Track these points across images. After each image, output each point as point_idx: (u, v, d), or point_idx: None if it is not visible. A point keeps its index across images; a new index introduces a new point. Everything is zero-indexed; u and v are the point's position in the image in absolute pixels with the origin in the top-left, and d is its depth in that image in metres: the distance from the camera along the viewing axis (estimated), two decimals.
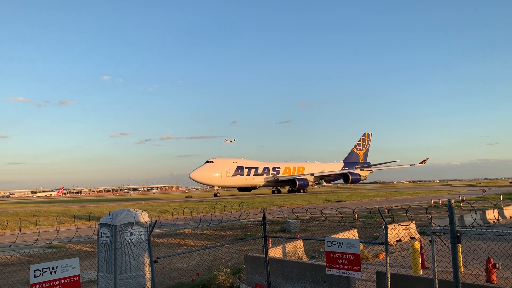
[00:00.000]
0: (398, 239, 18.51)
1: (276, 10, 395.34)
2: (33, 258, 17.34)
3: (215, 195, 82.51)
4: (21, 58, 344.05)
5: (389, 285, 8.20)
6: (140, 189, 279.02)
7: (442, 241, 9.02)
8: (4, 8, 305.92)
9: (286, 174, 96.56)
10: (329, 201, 55.05)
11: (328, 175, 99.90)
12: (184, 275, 13.33)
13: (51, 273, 6.53)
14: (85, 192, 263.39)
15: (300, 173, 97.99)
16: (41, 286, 6.40)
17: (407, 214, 10.08)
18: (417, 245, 12.45)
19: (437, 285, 8.14)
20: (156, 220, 9.00)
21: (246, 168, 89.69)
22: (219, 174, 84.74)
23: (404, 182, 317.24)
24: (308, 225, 25.69)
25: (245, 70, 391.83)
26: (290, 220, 24.31)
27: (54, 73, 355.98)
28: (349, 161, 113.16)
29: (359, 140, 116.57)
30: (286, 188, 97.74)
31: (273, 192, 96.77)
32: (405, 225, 18.35)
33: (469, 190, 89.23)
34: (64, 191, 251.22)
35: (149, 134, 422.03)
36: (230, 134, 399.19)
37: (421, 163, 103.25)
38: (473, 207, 11.18)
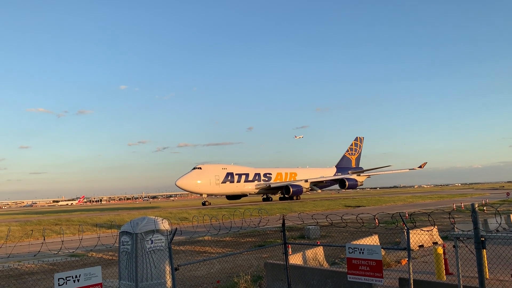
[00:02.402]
0: (420, 244, 18.21)
1: (291, 16, 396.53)
2: (56, 266, 17.61)
3: (204, 204, 77.27)
4: (40, 70, 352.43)
5: None
6: (159, 196, 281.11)
7: (466, 246, 8.85)
8: (23, 20, 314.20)
9: (278, 181, 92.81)
10: (349, 206, 54.59)
11: (322, 181, 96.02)
12: (204, 283, 13.36)
13: (74, 281, 6.63)
14: (106, 200, 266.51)
15: (292, 179, 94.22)
16: None
17: (429, 219, 9.92)
18: (440, 250, 12.23)
19: None
20: (176, 228, 9.06)
21: (236, 174, 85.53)
22: (208, 181, 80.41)
23: (425, 186, 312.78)
24: (328, 231, 25.49)
25: (259, 76, 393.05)
26: (310, 227, 24.16)
27: (73, 83, 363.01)
28: (341, 166, 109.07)
29: (351, 145, 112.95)
30: (278, 195, 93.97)
31: (264, 199, 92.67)
32: (427, 230, 18.04)
33: (492, 193, 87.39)
34: (85, 200, 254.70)
35: (166, 142, 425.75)
36: (246, 140, 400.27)
37: (420, 167, 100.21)
38: (498, 211, 10.92)
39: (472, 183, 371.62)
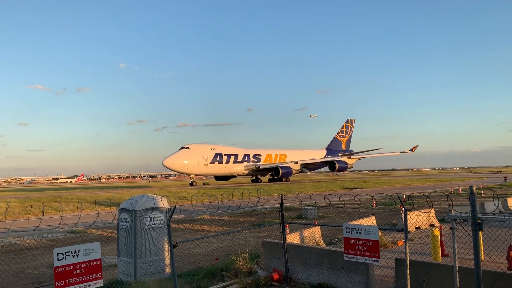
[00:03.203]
0: (417, 226, 18.34)
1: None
2: (55, 242, 17.75)
3: (191, 184, 75.62)
4: (39, 47, 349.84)
5: (408, 271, 8.15)
6: (159, 175, 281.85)
7: (463, 228, 8.89)
8: None
9: (268, 162, 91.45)
10: (347, 188, 54.86)
11: (312, 163, 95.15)
12: (203, 260, 13.49)
13: (73, 256, 6.68)
14: (105, 178, 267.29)
15: (282, 161, 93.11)
16: (64, 269, 6.55)
17: (427, 201, 9.95)
18: (437, 232, 12.31)
19: (457, 272, 8.05)
20: (175, 206, 9.08)
21: (225, 155, 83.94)
22: (196, 162, 78.47)
23: (423, 169, 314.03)
24: (326, 212, 25.66)
25: (260, 57, 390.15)
26: (308, 207, 24.30)
27: (72, 61, 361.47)
28: (331, 149, 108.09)
29: (342, 127, 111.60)
30: (267, 176, 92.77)
31: (253, 181, 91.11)
32: (424, 212, 18.17)
33: (490, 177, 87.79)
34: (84, 178, 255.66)
35: (165, 121, 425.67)
36: (246, 121, 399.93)
37: (411, 150, 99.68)
38: (496, 194, 10.95)
39: (470, 167, 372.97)
